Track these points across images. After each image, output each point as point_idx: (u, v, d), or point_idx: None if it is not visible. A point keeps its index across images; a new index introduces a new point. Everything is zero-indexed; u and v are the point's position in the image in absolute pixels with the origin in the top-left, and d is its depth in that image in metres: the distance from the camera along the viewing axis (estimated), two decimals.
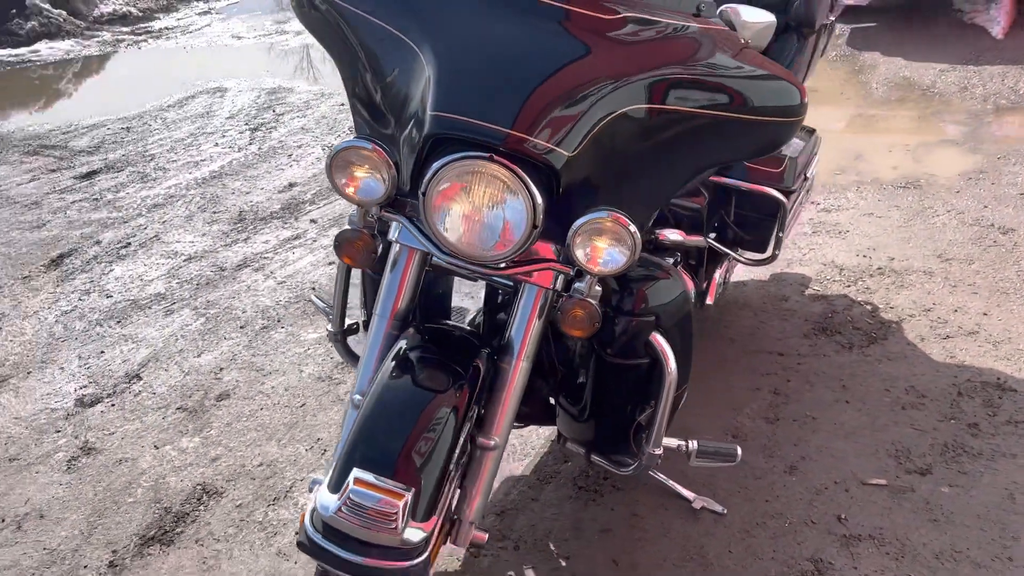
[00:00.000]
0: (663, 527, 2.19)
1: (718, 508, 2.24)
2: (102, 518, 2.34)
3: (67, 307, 3.49)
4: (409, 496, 1.35)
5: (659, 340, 1.69)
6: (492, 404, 1.59)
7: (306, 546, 1.39)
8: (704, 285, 2.47)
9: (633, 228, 1.40)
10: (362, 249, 1.58)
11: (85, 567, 2.18)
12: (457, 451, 1.48)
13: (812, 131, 2.80)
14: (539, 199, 1.39)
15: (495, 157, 1.37)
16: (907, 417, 2.56)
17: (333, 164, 1.47)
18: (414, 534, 1.38)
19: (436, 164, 1.40)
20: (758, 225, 2.47)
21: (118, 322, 3.34)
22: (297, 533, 1.54)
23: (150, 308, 3.44)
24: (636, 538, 2.16)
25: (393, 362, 1.52)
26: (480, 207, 1.43)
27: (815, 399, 2.67)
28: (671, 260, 2.00)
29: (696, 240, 2.25)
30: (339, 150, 1.46)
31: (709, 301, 2.46)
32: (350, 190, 1.50)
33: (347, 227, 1.57)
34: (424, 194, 1.43)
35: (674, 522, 2.20)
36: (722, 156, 1.68)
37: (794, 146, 2.54)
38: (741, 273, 3.34)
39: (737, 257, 2.40)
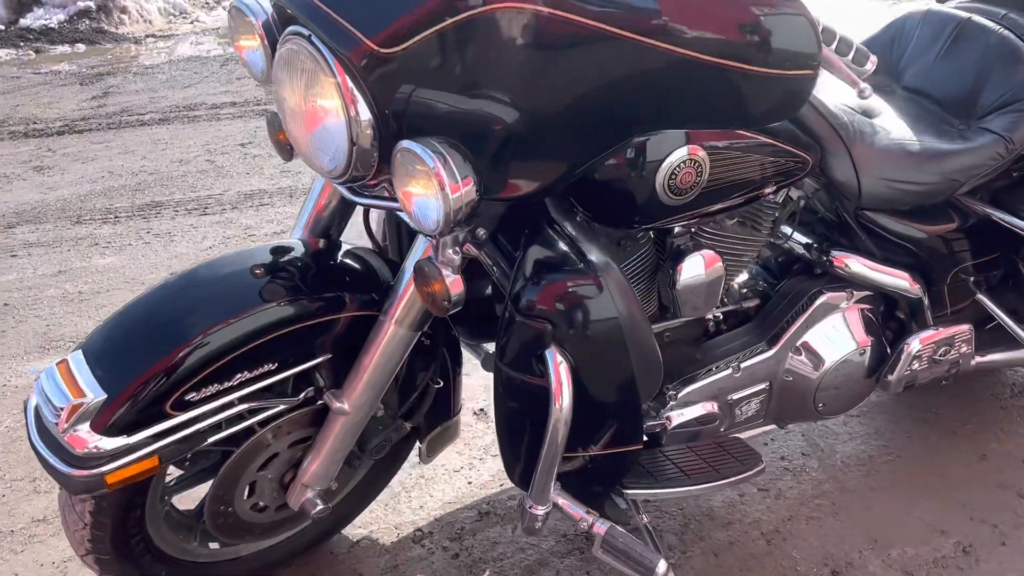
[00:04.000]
0: None
1: None
2: None
3: None
4: (94, 402, 1.32)
5: (554, 358, 1.40)
6: (356, 365, 1.51)
7: None
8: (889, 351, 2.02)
9: (451, 184, 1.19)
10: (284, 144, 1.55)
11: None
12: (236, 383, 1.44)
13: None
14: (361, 106, 1.22)
15: (313, 39, 1.24)
16: None
17: (231, 16, 1.44)
18: (101, 442, 1.34)
19: (278, 46, 1.32)
20: None
21: None
22: None
23: None
24: None
25: (229, 259, 1.55)
26: (300, 105, 1.31)
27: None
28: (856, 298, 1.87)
29: (899, 282, 1.93)
30: (233, 5, 1.42)
31: (889, 378, 2.01)
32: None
33: None
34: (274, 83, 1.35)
35: None
36: (675, 114, 1.39)
37: None
38: None
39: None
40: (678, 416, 1.84)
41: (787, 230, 1.99)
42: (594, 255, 1.43)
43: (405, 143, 1.23)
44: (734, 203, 1.66)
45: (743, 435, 2.27)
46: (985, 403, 2.43)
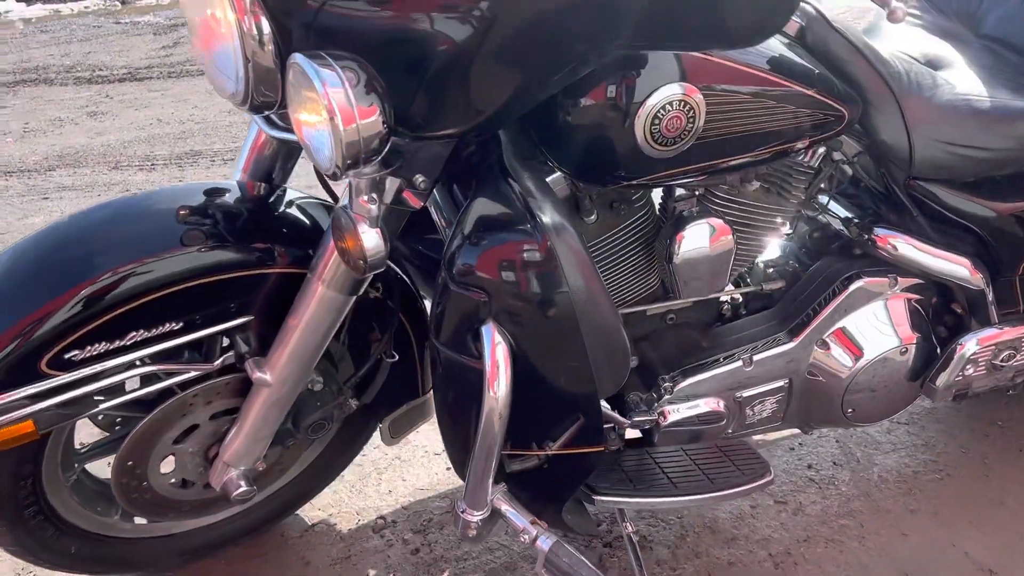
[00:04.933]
0: None
1: None
2: None
3: None
4: None
5: (491, 336, 1.16)
6: (281, 331, 1.34)
7: None
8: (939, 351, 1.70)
9: (343, 112, 0.98)
10: None
11: None
12: (130, 342, 1.27)
13: None
14: (256, 18, 1.04)
15: None
16: None
17: None
18: None
19: None
20: None
21: None
22: None
23: None
24: None
25: (151, 196, 1.39)
26: (198, 19, 1.13)
27: None
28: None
29: (957, 269, 1.62)
30: None
31: (936, 383, 1.68)
32: None
33: None
34: None
35: None
36: (623, 24, 1.10)
37: None
38: None
39: None
40: (674, 412, 1.57)
41: (824, 201, 1.68)
42: (547, 215, 1.17)
43: (296, 57, 1.00)
44: (742, 161, 1.37)
45: (768, 435, 1.99)
46: None
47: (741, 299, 1.75)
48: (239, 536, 1.73)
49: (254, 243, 1.35)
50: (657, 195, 1.54)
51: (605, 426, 1.56)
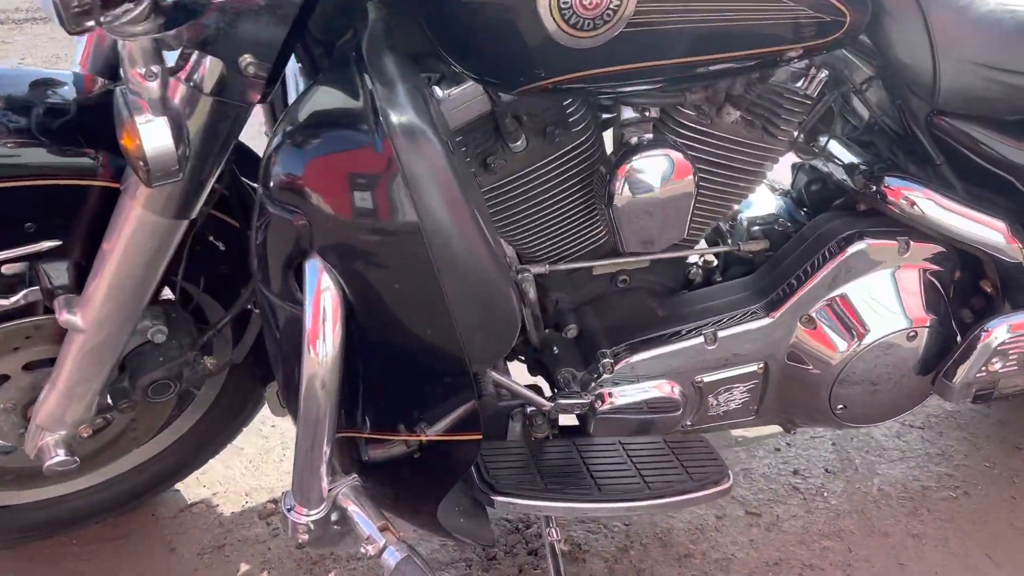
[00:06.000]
0: None
1: None
2: None
3: None
4: None
5: (317, 276, 0.86)
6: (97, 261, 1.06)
7: None
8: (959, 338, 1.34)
9: None
10: None
11: None
12: None
13: None
14: None
15: None
16: None
17: None
18: None
19: None
20: None
21: None
22: None
23: None
24: None
25: None
26: None
27: None
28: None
29: (989, 234, 1.28)
30: None
31: (952, 379, 1.32)
32: None
33: None
34: None
35: None
36: None
37: None
38: None
39: None
40: (615, 396, 1.26)
41: (824, 142, 1.34)
42: (398, 115, 0.85)
43: None
44: (699, 66, 1.04)
45: (750, 432, 1.66)
46: None
47: (716, 261, 1.42)
48: (98, 512, 1.45)
49: (72, 147, 1.07)
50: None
51: (530, 409, 1.27)
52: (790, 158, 1.46)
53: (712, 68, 1.06)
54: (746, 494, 1.54)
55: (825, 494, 1.54)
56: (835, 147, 1.35)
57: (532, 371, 1.40)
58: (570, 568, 1.38)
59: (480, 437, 0.96)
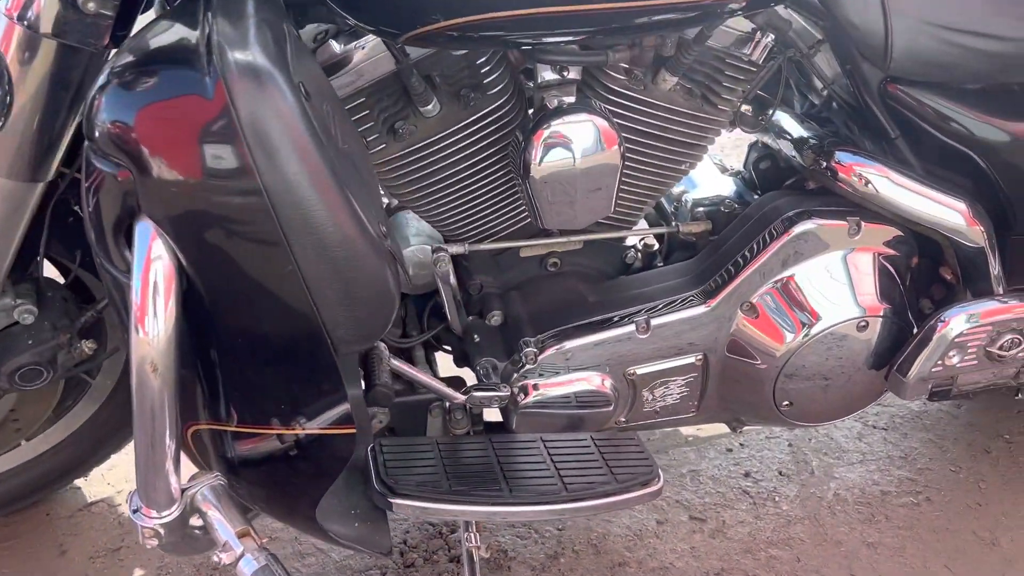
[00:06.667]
0: None
1: None
2: None
3: None
4: None
5: (147, 239, 0.75)
6: None
7: None
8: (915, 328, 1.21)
9: None
10: None
11: None
12: None
13: None
14: None
15: None
16: None
17: None
18: None
19: None
20: None
21: None
22: None
23: None
24: None
25: None
26: None
27: None
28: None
29: (948, 214, 1.16)
30: None
31: (906, 374, 1.19)
32: None
33: None
34: None
35: None
36: None
37: None
38: None
39: None
40: (540, 389, 1.15)
41: (770, 114, 1.23)
42: (235, 53, 0.73)
43: None
44: (623, 20, 0.93)
45: (702, 430, 1.55)
46: None
47: (658, 245, 1.32)
48: None
49: None
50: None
51: (454, 403, 1.16)
52: (749, 139, 1.37)
53: (638, 19, 0.95)
54: (692, 498, 1.42)
55: (777, 499, 1.43)
56: (785, 120, 1.24)
57: (458, 362, 1.29)
58: None
59: (353, 431, 0.85)
